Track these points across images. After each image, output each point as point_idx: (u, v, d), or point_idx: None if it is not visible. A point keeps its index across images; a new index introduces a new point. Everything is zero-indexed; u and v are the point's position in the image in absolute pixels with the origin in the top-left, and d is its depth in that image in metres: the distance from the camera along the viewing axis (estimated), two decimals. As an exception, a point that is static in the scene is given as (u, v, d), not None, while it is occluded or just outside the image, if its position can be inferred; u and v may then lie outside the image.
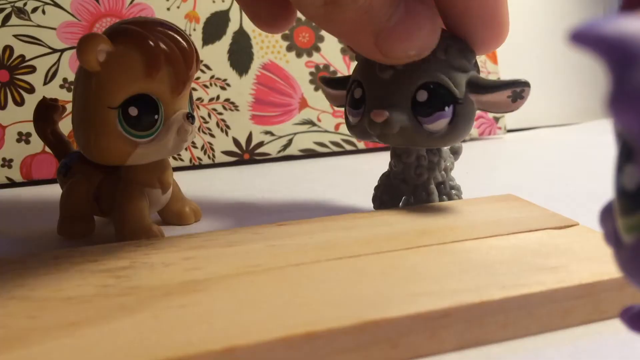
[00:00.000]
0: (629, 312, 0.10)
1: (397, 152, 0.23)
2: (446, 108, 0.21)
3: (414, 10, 0.20)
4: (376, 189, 0.25)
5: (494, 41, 0.22)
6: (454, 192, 0.24)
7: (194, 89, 0.41)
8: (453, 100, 0.21)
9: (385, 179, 0.25)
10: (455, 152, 0.26)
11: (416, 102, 0.21)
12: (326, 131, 0.44)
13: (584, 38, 0.07)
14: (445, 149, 0.25)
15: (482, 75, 0.46)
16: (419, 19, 0.20)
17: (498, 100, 0.21)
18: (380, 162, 0.26)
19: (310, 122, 0.44)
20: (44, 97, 0.26)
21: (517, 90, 0.21)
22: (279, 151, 0.43)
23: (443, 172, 0.24)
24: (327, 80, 0.25)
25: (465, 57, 0.21)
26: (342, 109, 0.24)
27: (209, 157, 0.41)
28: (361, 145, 0.45)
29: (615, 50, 0.07)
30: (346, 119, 0.23)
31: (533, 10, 0.59)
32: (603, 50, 0.07)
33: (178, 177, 0.26)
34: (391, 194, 0.24)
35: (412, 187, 0.24)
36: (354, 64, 0.23)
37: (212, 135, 0.41)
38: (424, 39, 0.20)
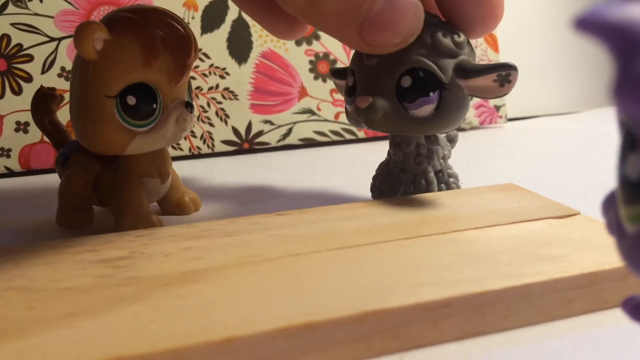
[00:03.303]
0: (631, 302, 0.10)
1: (396, 141, 0.23)
2: (431, 94, 0.21)
3: None
4: (374, 178, 0.25)
5: (490, 22, 0.22)
6: (451, 180, 0.24)
7: (193, 78, 0.41)
8: (439, 85, 0.21)
9: (383, 169, 0.24)
10: (452, 140, 0.26)
11: (401, 88, 0.21)
12: (326, 120, 0.44)
13: (588, 25, 0.07)
14: (442, 137, 0.25)
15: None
16: (401, 6, 0.19)
17: (485, 85, 0.21)
18: (380, 152, 0.26)
19: (310, 111, 0.43)
20: (41, 86, 0.26)
21: (502, 73, 0.20)
22: (279, 140, 0.43)
23: (441, 161, 0.24)
24: (334, 72, 0.25)
25: (452, 41, 0.21)
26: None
27: (208, 146, 0.41)
28: (361, 134, 0.45)
29: (620, 38, 0.07)
30: (345, 107, 0.24)
31: (534, -2, 0.59)
32: (607, 37, 0.07)
33: (177, 166, 0.25)
34: (390, 183, 0.24)
35: (412, 176, 0.23)
36: (353, 52, 0.23)
37: (212, 125, 0.41)
38: (408, 25, 0.20)
